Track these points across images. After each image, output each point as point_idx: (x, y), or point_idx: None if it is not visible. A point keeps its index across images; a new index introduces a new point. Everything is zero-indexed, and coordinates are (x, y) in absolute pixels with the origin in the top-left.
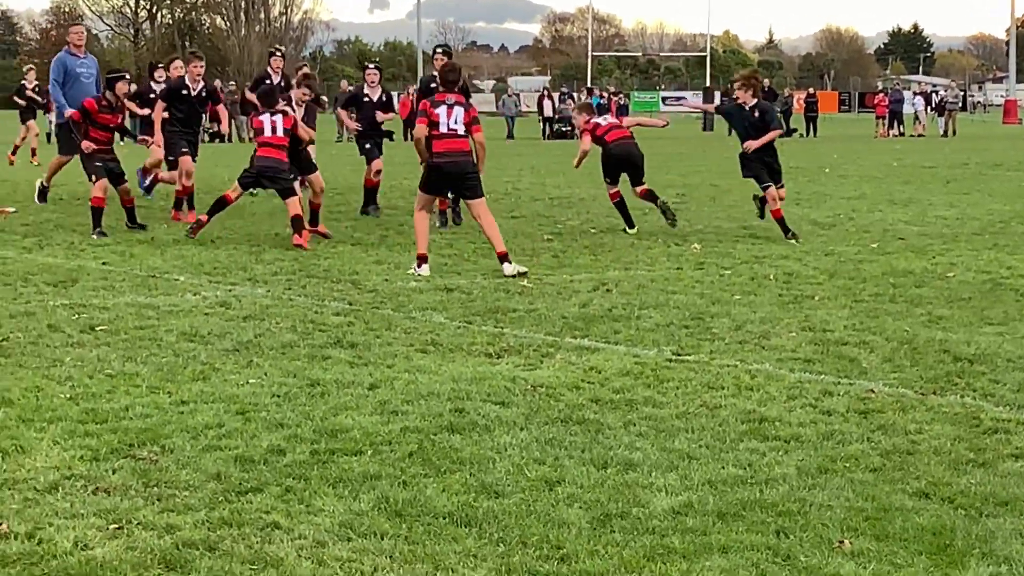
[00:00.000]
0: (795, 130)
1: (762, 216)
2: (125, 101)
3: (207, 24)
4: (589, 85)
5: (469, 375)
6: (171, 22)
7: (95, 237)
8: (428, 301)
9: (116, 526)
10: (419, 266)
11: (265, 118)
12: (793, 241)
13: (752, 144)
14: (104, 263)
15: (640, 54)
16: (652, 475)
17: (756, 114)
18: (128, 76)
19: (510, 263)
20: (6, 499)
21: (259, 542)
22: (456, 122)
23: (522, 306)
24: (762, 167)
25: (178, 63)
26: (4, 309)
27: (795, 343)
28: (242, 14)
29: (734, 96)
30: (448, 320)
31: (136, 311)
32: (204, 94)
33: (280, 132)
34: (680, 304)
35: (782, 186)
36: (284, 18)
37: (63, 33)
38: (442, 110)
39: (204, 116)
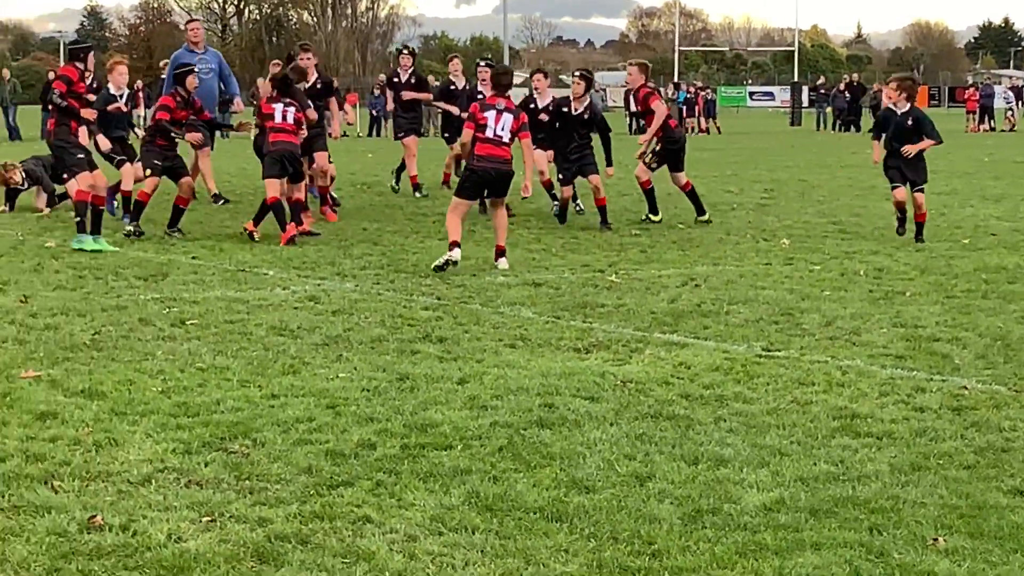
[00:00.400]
0: None
1: (901, 231)
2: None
3: (294, 19)
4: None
5: (558, 370)
6: (258, 17)
7: (130, 228)
8: (516, 296)
9: (209, 519)
10: (450, 250)
11: (277, 106)
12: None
13: (910, 149)
14: (194, 257)
15: (727, 49)
16: (743, 471)
17: (910, 122)
18: (196, 70)
19: (504, 259)
20: (100, 491)
21: (351, 536)
22: (503, 128)
23: (610, 301)
24: (899, 169)
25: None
26: (96, 303)
27: (886, 339)
28: (329, 9)
29: (879, 96)
30: (536, 315)
31: (226, 305)
32: (319, 87)
33: (290, 120)
34: (769, 300)
35: (921, 190)
36: (371, 13)
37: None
38: (491, 115)
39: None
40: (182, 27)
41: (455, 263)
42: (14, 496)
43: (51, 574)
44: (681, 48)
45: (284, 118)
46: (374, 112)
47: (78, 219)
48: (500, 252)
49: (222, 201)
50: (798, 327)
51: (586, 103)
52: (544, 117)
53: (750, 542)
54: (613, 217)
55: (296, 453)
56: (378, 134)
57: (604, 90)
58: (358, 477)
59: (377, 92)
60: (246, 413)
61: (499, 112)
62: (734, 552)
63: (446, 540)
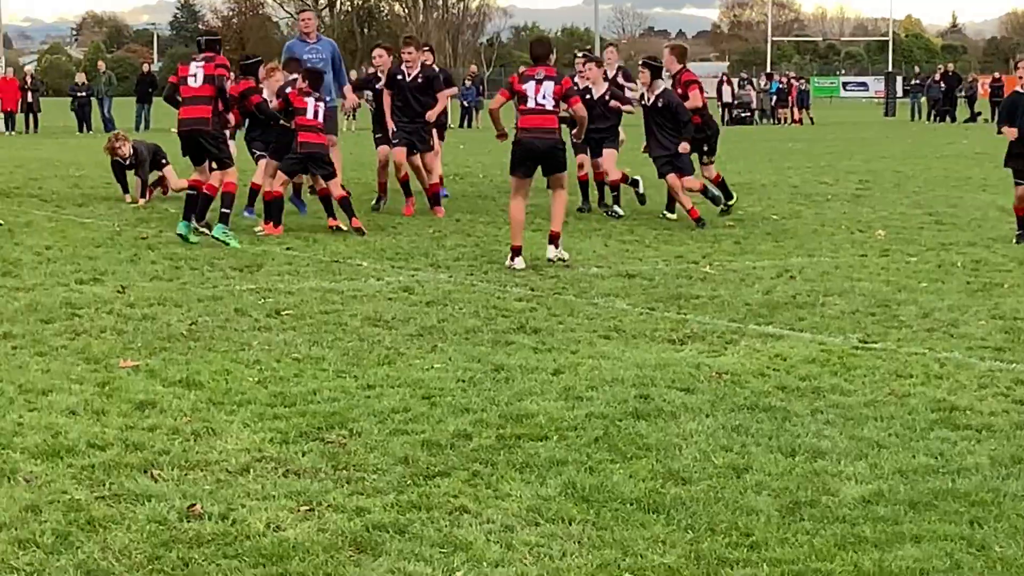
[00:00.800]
0: (979, 114)
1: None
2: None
3: (385, 11)
4: (768, 71)
5: (653, 361)
6: (350, 9)
7: (246, 215)
8: (610, 287)
9: (307, 508)
10: (512, 259)
11: (310, 100)
12: None
13: None
14: (288, 248)
15: (820, 39)
16: (841, 463)
17: None
18: (262, 61)
19: (556, 247)
20: (199, 480)
21: (448, 526)
22: (544, 97)
23: (705, 292)
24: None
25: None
26: (192, 293)
27: (985, 331)
28: (420, 1)
29: (974, 86)
30: (631, 306)
31: (321, 296)
32: (420, 80)
33: (320, 117)
34: (865, 291)
35: None
36: (462, 4)
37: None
38: (530, 85)
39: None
40: (274, 19)
41: (516, 268)
42: (115, 484)
43: (152, 562)
44: (773, 38)
45: (316, 115)
46: (465, 103)
47: (225, 211)
48: (553, 237)
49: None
50: (895, 319)
51: (658, 91)
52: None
53: (849, 534)
54: (705, 210)
55: (392, 443)
56: (469, 125)
57: None
58: (454, 467)
59: (468, 83)
60: (342, 403)
61: (538, 82)
62: (833, 544)
63: (543, 531)
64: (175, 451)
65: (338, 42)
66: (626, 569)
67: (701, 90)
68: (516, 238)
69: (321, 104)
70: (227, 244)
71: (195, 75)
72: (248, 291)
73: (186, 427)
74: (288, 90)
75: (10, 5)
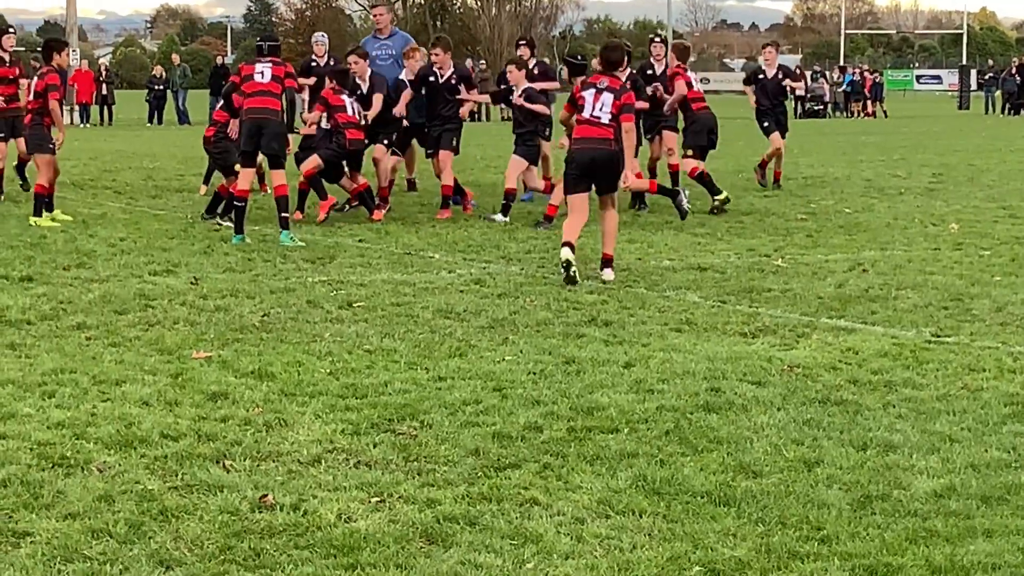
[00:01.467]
0: None
1: None
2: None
3: (458, 3)
4: (841, 64)
5: (724, 354)
6: (422, 2)
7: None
8: (682, 280)
9: (378, 499)
10: (564, 247)
11: (346, 99)
12: None
13: None
14: (360, 240)
15: (894, 32)
16: (913, 457)
17: None
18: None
19: (611, 269)
20: (271, 471)
21: (518, 518)
22: (602, 109)
23: (777, 286)
24: None
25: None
26: (265, 285)
27: None
28: None
29: None
30: (702, 299)
31: (392, 288)
32: (454, 80)
33: (358, 115)
34: (938, 285)
35: None
36: None
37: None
38: (589, 94)
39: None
40: (347, 12)
41: (567, 266)
42: (187, 475)
43: (224, 552)
44: (847, 31)
45: (354, 111)
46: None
47: (284, 215)
48: (606, 261)
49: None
50: (968, 313)
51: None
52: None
53: (920, 529)
54: (777, 203)
55: (463, 435)
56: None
57: None
58: (525, 459)
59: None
60: (413, 395)
61: (598, 92)
62: (904, 539)
63: (613, 523)
64: (247, 442)
65: (411, 35)
66: (696, 562)
67: (689, 84)
68: (569, 236)
69: (353, 100)
70: (298, 244)
71: (262, 72)
72: (320, 283)
73: (258, 418)
74: (324, 89)
75: None
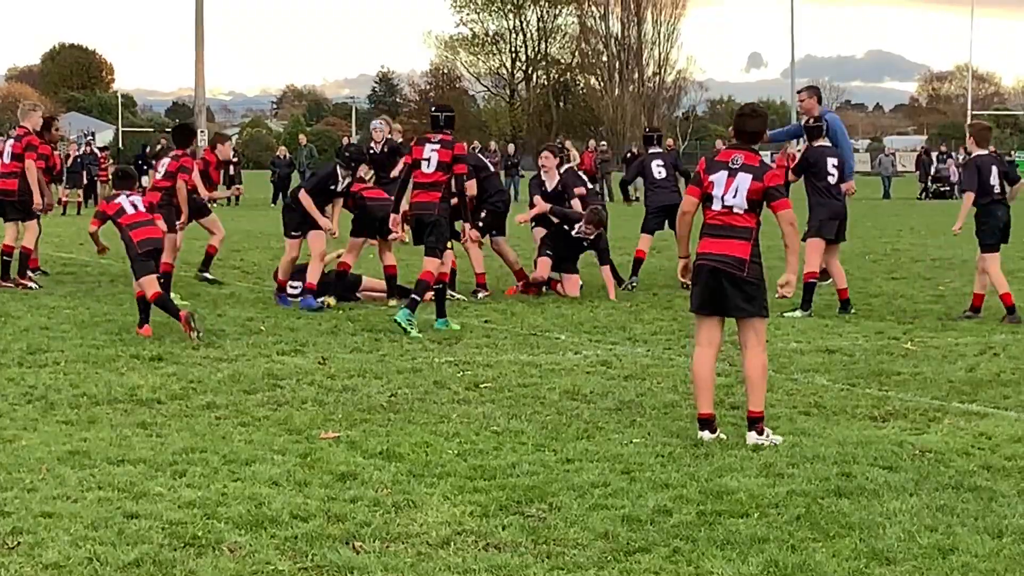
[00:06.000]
0: None
1: None
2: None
3: (581, 84)
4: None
5: (855, 438)
6: (546, 83)
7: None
8: (810, 363)
9: None
10: (701, 431)
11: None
12: None
13: None
14: (486, 321)
15: (1021, 112)
16: None
17: None
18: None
19: (759, 433)
20: (400, 553)
21: None
22: (736, 195)
23: (906, 369)
24: None
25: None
26: (392, 365)
27: None
28: (616, 74)
29: None
30: (831, 382)
31: (519, 369)
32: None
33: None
34: None
35: None
36: (658, 78)
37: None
38: (719, 177)
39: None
40: (470, 93)
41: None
42: (317, 556)
43: None
44: (973, 112)
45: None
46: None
47: (415, 298)
48: (752, 420)
49: None
50: None
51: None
52: None
53: None
54: (906, 286)
55: (592, 518)
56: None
57: (894, 154)
58: (655, 543)
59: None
60: (542, 477)
61: (732, 173)
62: None
63: None
64: (376, 523)
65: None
66: None
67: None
68: (703, 403)
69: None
70: (407, 332)
71: (428, 159)
72: (447, 364)
73: (387, 499)
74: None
75: (213, 79)
